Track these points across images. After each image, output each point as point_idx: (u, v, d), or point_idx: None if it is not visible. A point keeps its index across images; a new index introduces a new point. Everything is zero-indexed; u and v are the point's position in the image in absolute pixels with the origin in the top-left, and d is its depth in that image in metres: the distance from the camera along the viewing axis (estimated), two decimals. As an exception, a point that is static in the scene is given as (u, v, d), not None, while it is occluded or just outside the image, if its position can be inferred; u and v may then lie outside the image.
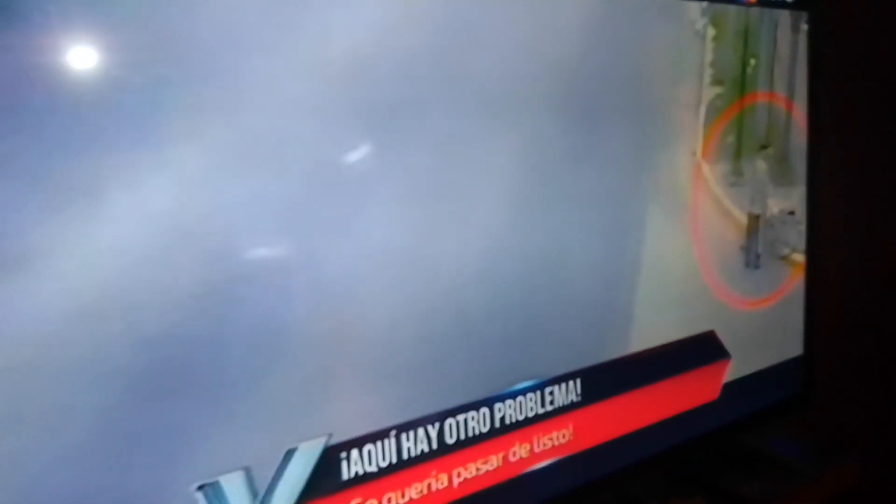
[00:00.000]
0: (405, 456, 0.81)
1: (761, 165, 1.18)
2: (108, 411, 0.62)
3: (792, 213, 1.24)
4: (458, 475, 0.86)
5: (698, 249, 1.10)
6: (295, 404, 0.73)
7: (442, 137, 0.82)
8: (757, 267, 1.19)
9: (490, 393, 0.88)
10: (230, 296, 0.68)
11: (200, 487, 0.66)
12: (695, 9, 1.04)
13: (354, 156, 0.76)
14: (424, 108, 0.80)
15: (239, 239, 0.69)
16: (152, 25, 0.63)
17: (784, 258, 1.23)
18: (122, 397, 0.63)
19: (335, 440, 0.75)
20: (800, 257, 1.26)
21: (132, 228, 0.62)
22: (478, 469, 0.88)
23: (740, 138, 1.13)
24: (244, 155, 0.68)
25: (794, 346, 1.28)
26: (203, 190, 0.66)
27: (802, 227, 1.25)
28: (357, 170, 0.76)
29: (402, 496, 0.81)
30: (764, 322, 1.22)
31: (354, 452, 0.77)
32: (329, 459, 0.75)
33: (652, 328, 1.05)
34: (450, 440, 0.85)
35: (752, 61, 1.12)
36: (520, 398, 0.91)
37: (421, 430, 0.82)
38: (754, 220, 1.18)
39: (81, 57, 0.60)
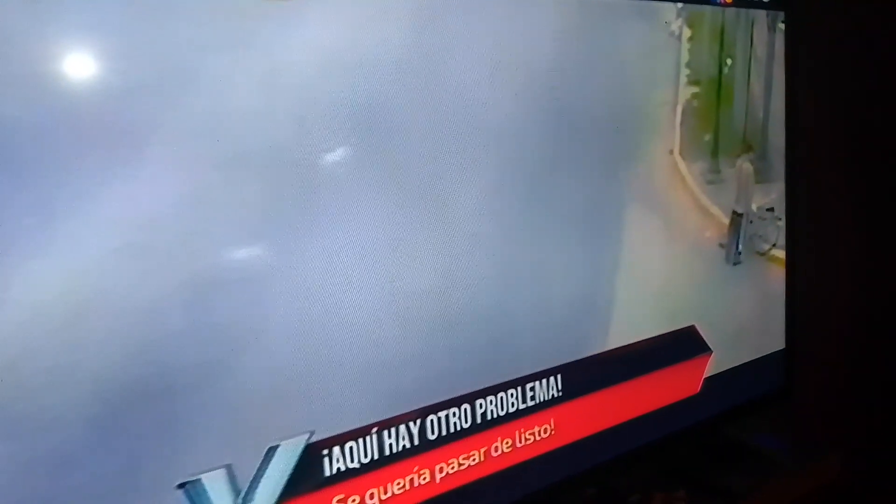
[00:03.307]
0: (387, 452, 0.82)
1: (747, 167, 1.20)
2: (90, 411, 0.63)
3: (771, 209, 1.25)
4: (441, 470, 0.87)
5: (677, 246, 1.11)
6: (276, 402, 0.74)
7: (423, 140, 0.83)
8: (737, 263, 1.21)
9: (471, 389, 0.89)
10: (211, 296, 0.69)
11: (182, 485, 0.67)
12: (670, 10, 1.05)
13: (339, 159, 0.77)
14: (404, 113, 0.81)
15: (219, 239, 0.70)
16: (128, 32, 0.64)
17: (764, 254, 1.25)
18: (104, 397, 0.64)
19: (316, 437, 0.77)
20: (780, 253, 1.27)
21: (112, 232, 0.64)
22: (460, 464, 0.89)
23: (717, 137, 1.14)
24: (226, 158, 0.69)
25: (775, 341, 1.30)
26: (184, 190, 0.67)
27: (782, 223, 1.27)
28: (339, 172, 0.77)
29: (385, 492, 0.82)
30: (745, 317, 1.24)
31: (336, 449, 0.78)
32: (311, 457, 0.76)
33: (632, 324, 1.06)
34: (431, 436, 0.86)
35: (729, 61, 1.14)
36: (501, 394, 0.92)
37: (402, 427, 0.84)
38: (737, 218, 1.19)
39: (68, 65, 0.61)
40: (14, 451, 0.60)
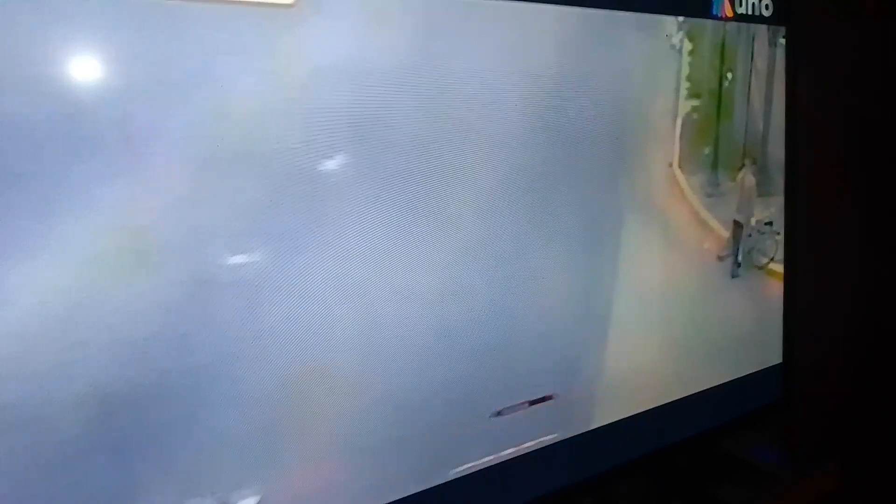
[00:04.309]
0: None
1: (750, 179, 1.20)
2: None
3: (770, 223, 1.26)
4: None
5: (675, 258, 1.12)
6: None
7: (422, 149, 0.83)
8: (736, 276, 1.21)
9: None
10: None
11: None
12: (671, 23, 1.06)
13: (338, 168, 0.77)
14: (405, 122, 0.81)
15: (208, 250, 0.70)
16: (131, 36, 0.64)
17: (762, 267, 1.25)
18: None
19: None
20: (778, 267, 1.28)
21: (107, 237, 0.64)
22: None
23: (717, 150, 1.15)
24: (227, 163, 0.70)
25: (773, 354, 1.30)
26: (179, 196, 0.68)
27: (780, 237, 1.27)
28: (337, 181, 0.78)
29: None
30: (743, 330, 1.24)
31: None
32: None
33: (628, 336, 1.06)
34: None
35: (729, 75, 1.15)
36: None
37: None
38: (738, 228, 1.20)
39: (70, 66, 0.62)
40: None
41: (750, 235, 1.22)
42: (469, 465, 0.90)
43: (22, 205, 0.60)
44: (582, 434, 1.02)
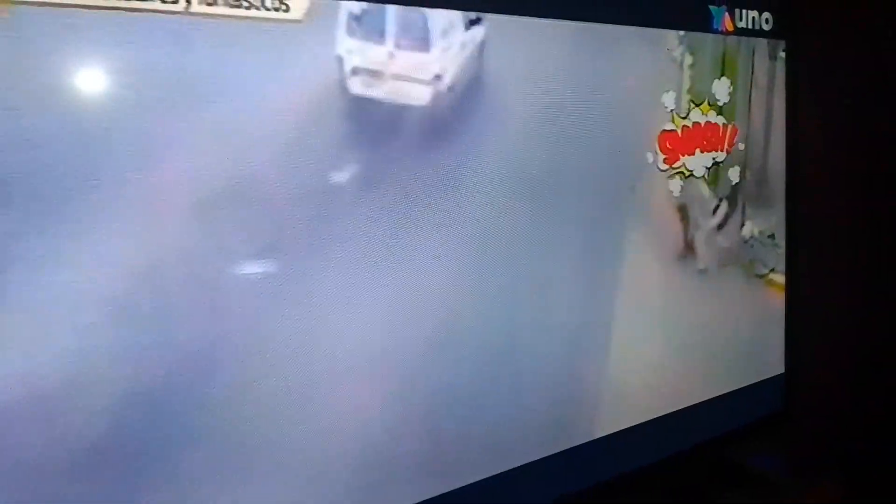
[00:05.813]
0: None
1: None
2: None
3: (772, 236, 1.26)
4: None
5: (677, 270, 1.12)
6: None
7: (424, 163, 0.84)
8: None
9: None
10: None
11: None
12: (672, 37, 1.07)
13: (341, 186, 0.79)
14: (402, 141, 0.82)
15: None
16: (134, 55, 0.66)
17: (762, 277, 1.26)
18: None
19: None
20: (778, 277, 1.28)
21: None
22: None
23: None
24: (231, 183, 0.71)
25: (775, 365, 1.31)
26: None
27: (781, 251, 1.28)
28: (336, 202, 0.79)
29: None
30: (745, 341, 1.24)
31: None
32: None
33: (631, 346, 1.07)
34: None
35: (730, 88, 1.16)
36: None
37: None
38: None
39: (72, 87, 0.63)
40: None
41: (752, 246, 1.23)
42: (472, 474, 0.91)
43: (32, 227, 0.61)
44: (585, 444, 1.02)
